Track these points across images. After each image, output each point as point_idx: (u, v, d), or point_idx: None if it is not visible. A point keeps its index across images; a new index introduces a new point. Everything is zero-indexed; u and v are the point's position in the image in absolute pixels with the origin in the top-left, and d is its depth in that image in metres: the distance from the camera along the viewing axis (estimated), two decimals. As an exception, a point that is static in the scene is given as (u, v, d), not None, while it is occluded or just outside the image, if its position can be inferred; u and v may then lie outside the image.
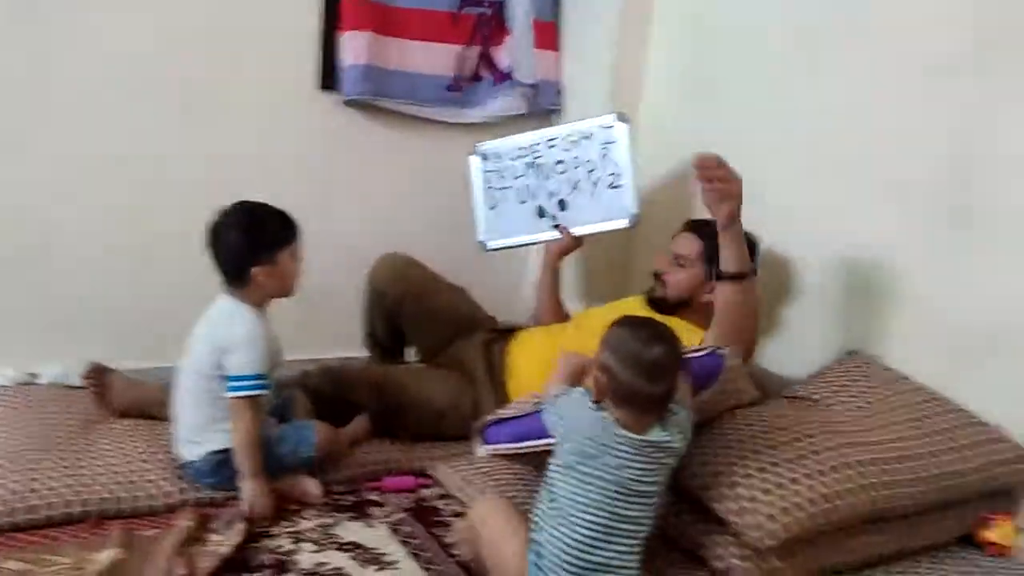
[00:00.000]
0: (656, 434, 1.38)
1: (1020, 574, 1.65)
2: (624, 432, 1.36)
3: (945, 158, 1.95)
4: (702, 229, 2.15)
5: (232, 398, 1.75)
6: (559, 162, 2.44)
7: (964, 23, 1.92)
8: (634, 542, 1.38)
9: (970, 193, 1.90)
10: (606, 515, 1.35)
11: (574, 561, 1.35)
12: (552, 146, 2.45)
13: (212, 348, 1.78)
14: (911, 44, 2.03)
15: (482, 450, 1.74)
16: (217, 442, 1.78)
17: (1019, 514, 1.81)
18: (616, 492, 1.35)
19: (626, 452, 1.35)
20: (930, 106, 1.99)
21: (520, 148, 2.49)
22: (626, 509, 1.36)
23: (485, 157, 2.54)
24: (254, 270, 1.77)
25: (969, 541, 1.77)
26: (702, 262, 2.13)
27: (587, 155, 2.40)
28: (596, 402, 1.40)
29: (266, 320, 1.84)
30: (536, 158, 2.47)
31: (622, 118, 2.35)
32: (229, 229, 1.78)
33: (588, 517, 1.36)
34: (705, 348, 1.65)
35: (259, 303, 1.83)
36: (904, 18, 2.05)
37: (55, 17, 2.31)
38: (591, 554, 1.35)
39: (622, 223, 2.38)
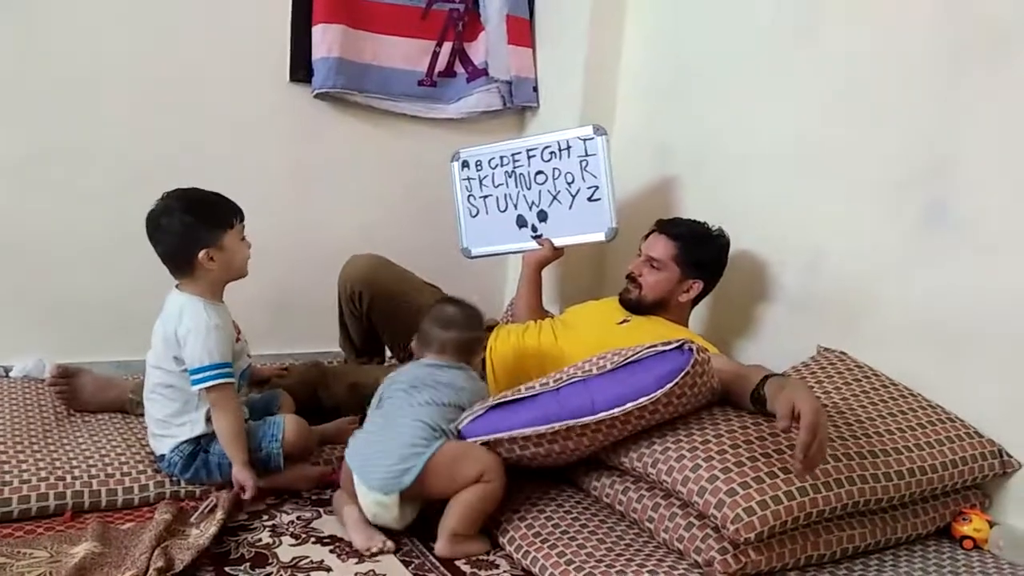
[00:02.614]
0: None
1: (993, 567, 1.67)
2: None
3: (920, 158, 1.97)
4: (673, 230, 2.20)
5: (202, 390, 1.73)
6: (539, 172, 2.46)
7: (940, 22, 1.94)
8: None
9: (945, 192, 1.92)
10: None
11: None
12: (532, 156, 2.46)
13: (166, 343, 1.77)
14: (886, 44, 2.05)
15: None
16: (184, 433, 1.77)
17: (993, 508, 1.84)
18: None
19: None
20: (905, 106, 2.01)
21: (501, 156, 2.50)
22: None
23: (465, 164, 2.54)
24: (199, 255, 1.75)
25: (945, 534, 1.79)
26: (676, 264, 2.15)
27: (566, 167, 2.42)
28: None
29: (220, 309, 1.81)
30: (516, 167, 2.48)
31: (599, 131, 2.38)
32: (168, 215, 1.74)
33: None
34: (673, 342, 1.66)
35: (210, 291, 1.80)
36: (879, 18, 2.07)
37: (32, 11, 2.29)
38: None
39: (599, 236, 2.40)
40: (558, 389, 1.70)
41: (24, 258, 2.40)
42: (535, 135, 2.55)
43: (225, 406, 1.74)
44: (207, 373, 1.72)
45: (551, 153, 2.44)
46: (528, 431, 1.66)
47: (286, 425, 1.83)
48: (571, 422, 1.64)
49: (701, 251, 2.18)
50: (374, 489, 1.62)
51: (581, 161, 2.40)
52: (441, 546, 1.61)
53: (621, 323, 2.17)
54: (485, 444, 1.71)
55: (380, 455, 1.65)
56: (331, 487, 1.82)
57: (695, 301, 2.24)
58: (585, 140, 2.39)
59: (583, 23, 2.76)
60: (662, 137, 2.64)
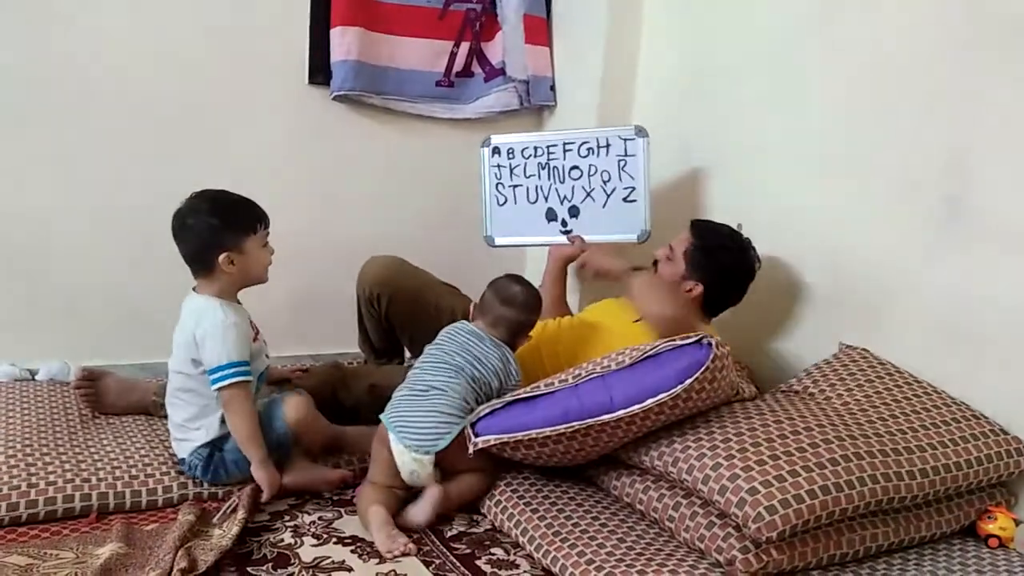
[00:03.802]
0: None
1: (1020, 565, 1.65)
2: None
3: (941, 155, 1.95)
4: (698, 227, 2.19)
5: (218, 390, 1.74)
6: (574, 167, 2.44)
7: (957, 18, 1.92)
8: None
9: (965, 190, 1.90)
10: None
11: None
12: (569, 150, 2.44)
13: (185, 346, 1.79)
14: (904, 40, 2.04)
15: (472, 443, 1.74)
16: (200, 438, 1.79)
17: (1019, 506, 1.82)
18: None
19: None
20: (924, 102, 1.99)
21: (535, 147, 2.48)
22: None
23: (496, 151, 2.52)
24: (220, 257, 1.76)
25: (970, 533, 1.77)
26: (685, 259, 2.14)
27: (603, 165, 2.41)
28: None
29: (237, 308, 1.82)
30: (551, 159, 2.46)
31: (641, 132, 2.37)
32: (194, 215, 1.77)
33: None
34: (692, 336, 1.66)
35: (227, 293, 1.82)
36: (897, 15, 2.05)
37: (53, 13, 2.32)
38: None
39: (631, 238, 2.40)
40: (576, 385, 1.70)
41: (47, 262, 2.43)
42: (571, 130, 2.53)
43: (240, 406, 1.75)
44: (226, 372, 1.73)
45: (588, 149, 2.42)
46: (548, 430, 1.66)
47: (285, 405, 1.83)
48: (591, 420, 1.64)
49: (709, 256, 2.12)
50: (410, 448, 1.73)
51: (619, 160, 2.38)
52: (434, 491, 1.73)
53: (637, 321, 2.16)
54: (503, 446, 1.71)
55: (419, 418, 1.76)
56: (352, 488, 1.83)
57: (708, 307, 2.18)
58: (626, 140, 2.37)
59: (600, 22, 2.76)
60: (680, 135, 2.63)
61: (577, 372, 1.73)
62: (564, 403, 1.68)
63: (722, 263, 2.14)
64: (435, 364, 1.87)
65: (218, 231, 1.77)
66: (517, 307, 1.95)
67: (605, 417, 1.63)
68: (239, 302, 1.86)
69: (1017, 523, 1.75)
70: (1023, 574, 1.61)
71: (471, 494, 1.81)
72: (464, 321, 1.99)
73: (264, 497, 1.73)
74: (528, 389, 1.75)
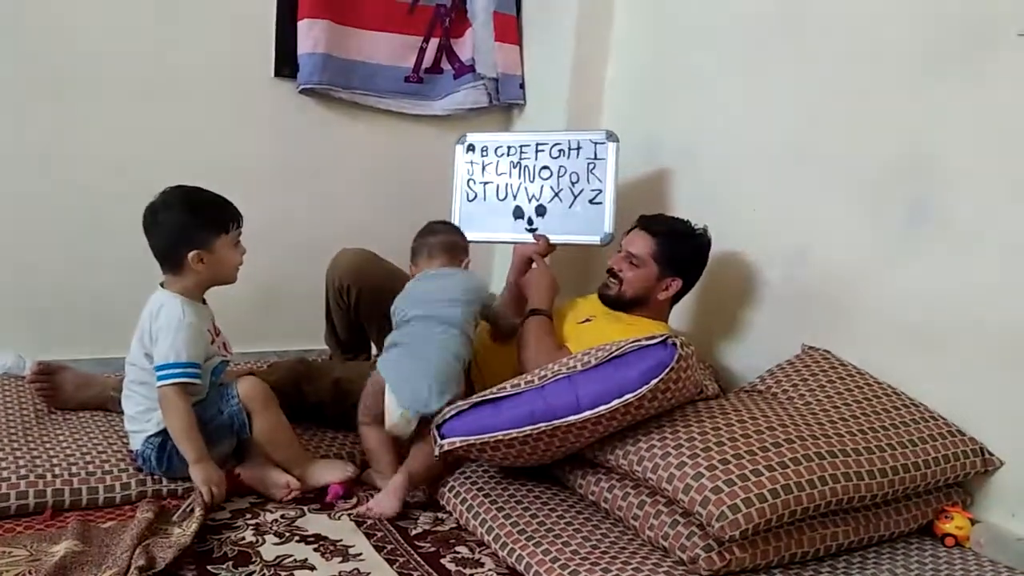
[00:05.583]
0: None
1: (975, 564, 1.68)
2: None
3: (902, 159, 1.99)
4: (653, 227, 2.20)
5: (159, 387, 1.71)
6: (544, 167, 2.46)
7: (922, 21, 1.95)
8: None
9: (927, 191, 1.93)
10: None
11: None
12: (541, 150, 2.47)
13: (140, 341, 1.76)
14: (868, 42, 2.06)
15: (438, 445, 1.74)
16: (150, 428, 1.76)
17: (975, 506, 1.85)
18: None
19: None
20: (888, 104, 2.02)
21: (508, 146, 2.51)
22: None
23: (471, 148, 2.53)
24: (189, 255, 1.74)
25: (928, 532, 1.80)
26: (655, 261, 2.15)
27: (573, 166, 2.43)
28: None
29: (199, 309, 1.80)
30: (523, 159, 2.48)
31: (611, 137, 2.40)
32: (166, 210, 1.74)
33: None
34: (659, 336, 1.66)
35: (194, 291, 1.79)
36: (862, 17, 2.08)
37: (18, 7, 2.28)
38: None
39: (594, 239, 2.42)
40: (543, 386, 1.69)
41: (2, 253, 2.37)
42: (545, 131, 2.57)
43: (175, 404, 1.70)
44: (171, 371, 1.70)
45: (560, 150, 2.45)
46: (514, 432, 1.66)
47: (238, 383, 1.80)
48: (557, 422, 1.64)
49: (680, 249, 2.17)
50: (403, 405, 1.80)
51: (589, 163, 2.41)
52: (397, 480, 1.78)
53: (583, 322, 2.17)
54: (469, 448, 1.71)
55: (415, 378, 1.83)
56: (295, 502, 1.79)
57: (675, 299, 2.24)
58: (596, 143, 2.41)
59: (570, 20, 2.76)
60: (648, 134, 2.64)
61: (543, 373, 1.73)
62: (530, 404, 1.68)
63: (690, 251, 2.19)
64: (416, 326, 1.92)
65: (189, 229, 1.74)
66: (441, 232, 2.11)
67: (572, 418, 1.63)
68: (204, 301, 1.83)
69: (973, 522, 1.78)
70: (977, 572, 1.64)
71: (437, 469, 1.86)
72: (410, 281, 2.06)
73: (204, 497, 1.66)
74: (495, 390, 1.74)
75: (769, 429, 1.65)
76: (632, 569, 1.49)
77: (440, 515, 1.79)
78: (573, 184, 2.43)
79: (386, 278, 2.36)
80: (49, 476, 1.69)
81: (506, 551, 1.59)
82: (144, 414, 1.77)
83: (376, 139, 2.84)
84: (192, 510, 1.63)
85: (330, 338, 2.51)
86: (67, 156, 2.40)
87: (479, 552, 1.65)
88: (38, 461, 1.74)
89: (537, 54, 2.93)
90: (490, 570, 1.58)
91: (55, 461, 1.75)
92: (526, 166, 2.48)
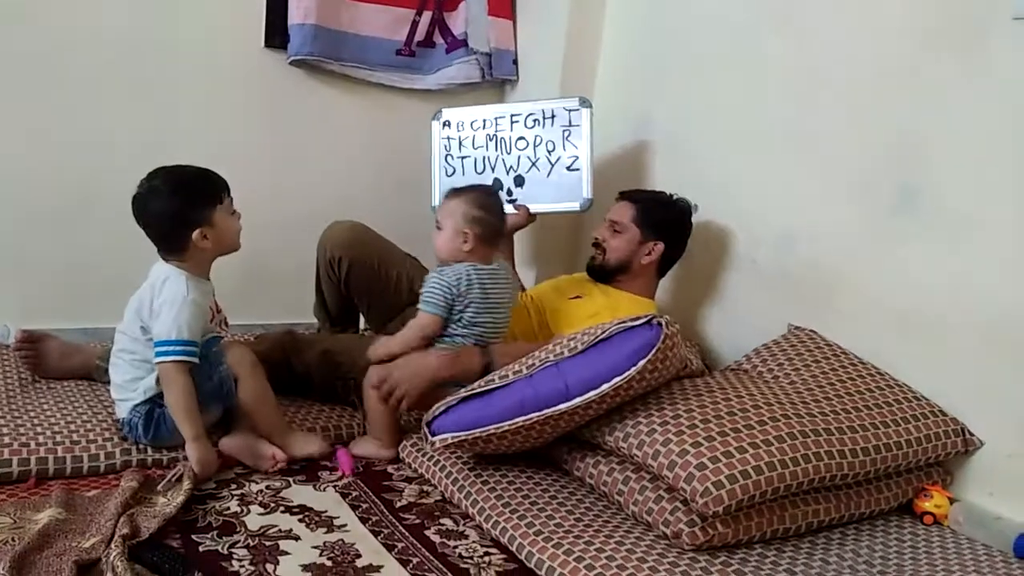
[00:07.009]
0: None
1: (952, 542, 1.70)
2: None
3: (892, 144, 1.99)
4: (634, 195, 2.27)
5: (158, 363, 1.70)
6: (520, 138, 2.46)
7: (913, 7, 1.95)
8: None
9: (916, 176, 1.94)
10: None
11: None
12: (516, 122, 2.46)
13: (138, 311, 1.75)
14: (860, 27, 2.06)
15: (431, 443, 1.74)
16: (137, 397, 1.75)
17: (954, 485, 1.88)
18: None
19: None
20: (879, 89, 2.02)
21: (484, 119, 2.50)
22: None
23: (447, 124, 2.53)
24: (194, 235, 1.72)
25: (907, 510, 1.82)
26: (636, 225, 2.20)
27: (548, 135, 2.44)
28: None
29: (203, 285, 1.79)
30: (498, 131, 2.48)
31: (585, 103, 2.40)
32: (156, 198, 1.72)
33: None
34: (643, 317, 1.67)
35: (199, 267, 1.78)
36: (860, 4, 2.07)
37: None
38: None
39: (574, 206, 2.42)
40: (531, 376, 1.69)
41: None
42: (519, 102, 2.56)
43: (177, 382, 1.69)
44: (172, 347, 1.69)
45: (535, 120, 2.45)
46: (506, 424, 1.66)
47: (228, 350, 1.80)
48: (548, 411, 1.64)
49: (660, 213, 2.24)
50: None
51: (564, 131, 2.41)
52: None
53: (573, 298, 2.19)
54: (462, 443, 1.71)
55: None
56: (284, 473, 1.79)
57: (662, 268, 2.26)
58: (570, 111, 2.41)
59: (563, -5, 2.74)
60: (640, 110, 2.64)
61: (530, 362, 1.72)
62: (520, 394, 1.68)
63: (671, 215, 2.25)
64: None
65: (185, 210, 1.72)
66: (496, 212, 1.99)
67: (563, 406, 1.63)
68: (208, 278, 1.82)
69: (952, 501, 1.80)
70: (955, 550, 1.67)
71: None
72: (495, 266, 1.97)
73: (198, 476, 1.66)
74: (483, 382, 1.74)
75: (754, 407, 1.66)
76: (615, 542, 1.50)
77: (425, 488, 1.80)
78: (550, 153, 2.44)
79: (378, 253, 2.36)
80: (33, 444, 1.68)
81: (490, 523, 1.60)
82: (131, 383, 1.77)
83: (367, 113, 2.82)
84: (179, 479, 1.63)
85: (319, 311, 2.50)
86: (51, 127, 2.37)
87: (463, 524, 1.66)
88: (22, 429, 1.74)
89: (531, 29, 2.91)
90: (474, 542, 1.59)
91: (39, 429, 1.75)
92: (502, 138, 2.48)
